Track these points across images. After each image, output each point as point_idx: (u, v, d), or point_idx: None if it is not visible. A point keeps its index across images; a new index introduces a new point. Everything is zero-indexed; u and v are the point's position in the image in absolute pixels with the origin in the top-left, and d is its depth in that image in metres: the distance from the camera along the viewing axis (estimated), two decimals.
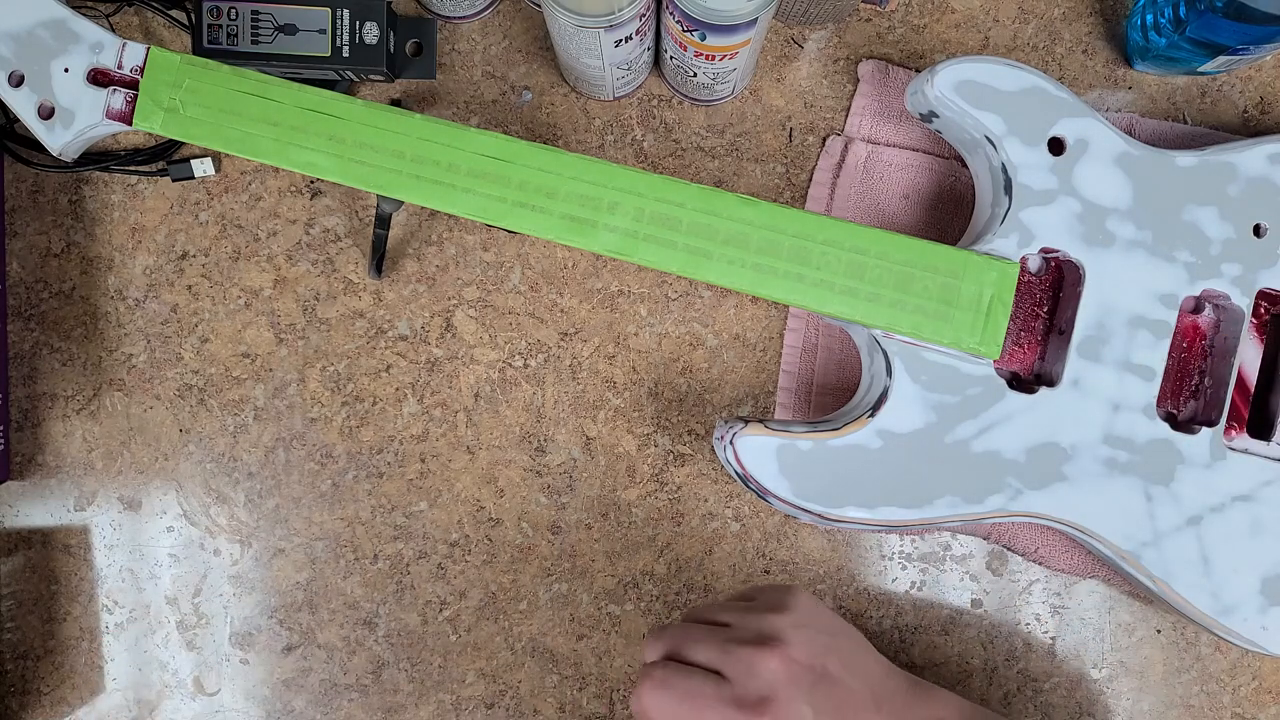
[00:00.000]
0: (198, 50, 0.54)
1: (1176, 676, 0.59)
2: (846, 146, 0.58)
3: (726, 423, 0.51)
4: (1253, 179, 0.51)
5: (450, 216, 0.59)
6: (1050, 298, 0.52)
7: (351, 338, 0.59)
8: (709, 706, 0.42)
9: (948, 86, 0.50)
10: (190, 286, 0.59)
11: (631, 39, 0.50)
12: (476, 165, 0.48)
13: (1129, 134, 0.56)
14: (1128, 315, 0.50)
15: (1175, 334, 0.52)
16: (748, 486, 0.49)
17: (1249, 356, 0.52)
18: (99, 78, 0.49)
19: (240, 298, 0.59)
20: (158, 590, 0.59)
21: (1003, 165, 0.50)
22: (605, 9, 0.46)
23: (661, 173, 0.57)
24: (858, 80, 0.59)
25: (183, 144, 0.59)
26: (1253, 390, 0.52)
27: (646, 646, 0.46)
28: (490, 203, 0.48)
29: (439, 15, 0.58)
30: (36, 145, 0.57)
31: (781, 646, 0.43)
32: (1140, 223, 0.50)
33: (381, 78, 0.57)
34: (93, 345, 0.59)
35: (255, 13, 0.54)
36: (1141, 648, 0.59)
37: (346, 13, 0.54)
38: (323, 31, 0.54)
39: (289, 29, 0.54)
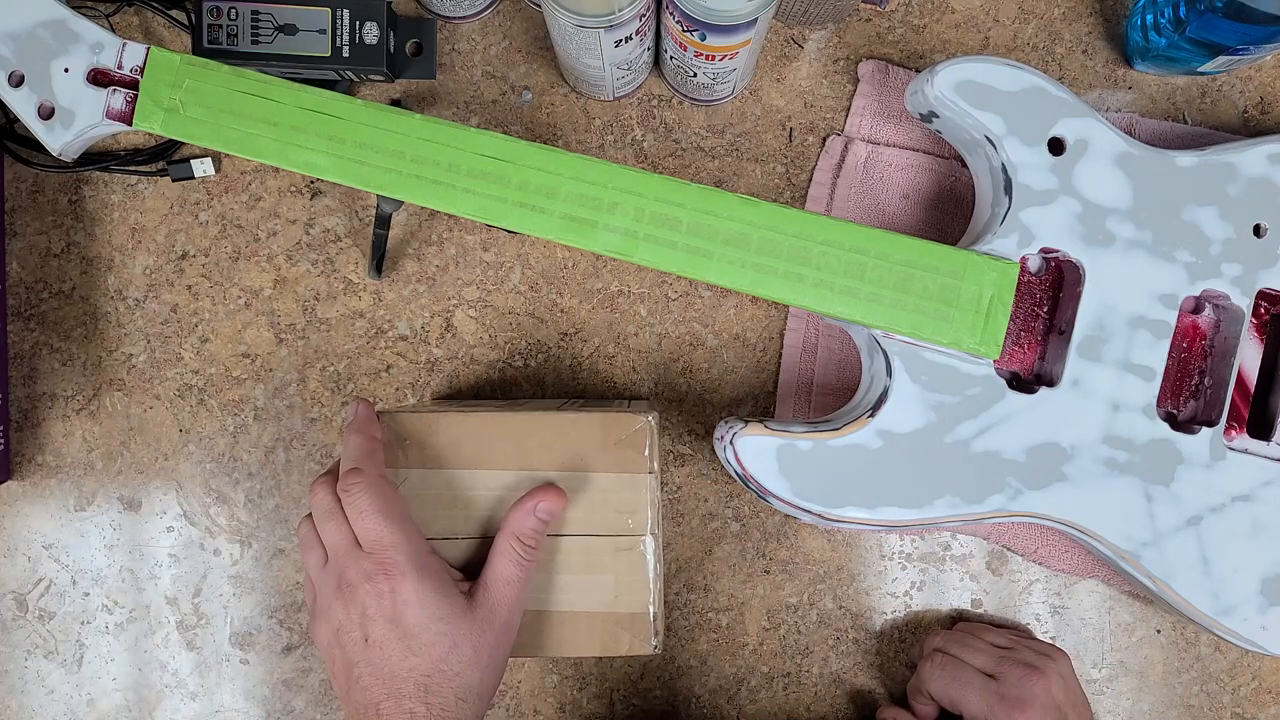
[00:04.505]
0: (198, 50, 0.54)
1: (1176, 676, 0.59)
2: (846, 146, 0.58)
3: (726, 423, 0.51)
4: (1253, 179, 0.51)
5: (450, 216, 0.59)
6: (1050, 298, 0.52)
7: (351, 338, 0.59)
8: (976, 690, 0.51)
9: (948, 86, 0.50)
10: (190, 286, 0.59)
11: (631, 39, 0.50)
12: (476, 165, 0.48)
13: (1129, 134, 0.56)
14: (1128, 315, 0.50)
15: (1175, 334, 0.52)
16: (748, 486, 0.49)
17: (1249, 356, 0.52)
18: (99, 78, 0.49)
19: (240, 298, 0.59)
20: (158, 590, 0.59)
21: (1003, 165, 0.50)
22: (605, 9, 0.46)
23: (661, 173, 0.57)
24: (858, 80, 0.59)
25: (183, 144, 0.59)
26: (1253, 390, 0.52)
27: (930, 639, 0.57)
28: (490, 203, 0.48)
29: (439, 15, 0.58)
30: (36, 145, 0.57)
31: (1046, 679, 0.51)
32: (1140, 223, 0.50)
33: (381, 78, 0.57)
34: (93, 345, 0.59)
35: (255, 13, 0.54)
36: (1141, 648, 0.59)
37: (346, 13, 0.54)
38: (323, 31, 0.54)
39: (289, 29, 0.54)
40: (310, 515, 0.47)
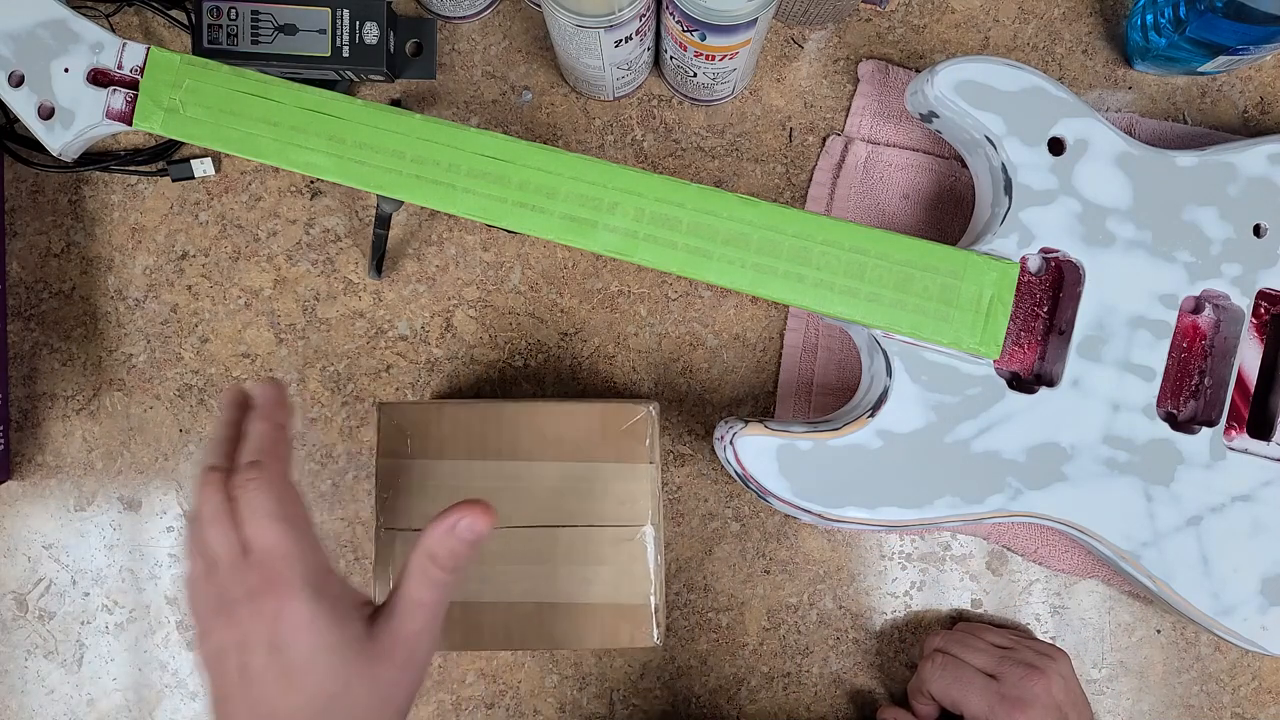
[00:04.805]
0: (198, 50, 0.54)
1: (1176, 676, 0.59)
2: (846, 146, 0.58)
3: (726, 423, 0.51)
4: (1253, 179, 0.51)
5: (450, 216, 0.59)
6: (1050, 298, 0.52)
7: (351, 338, 0.59)
8: (977, 690, 0.51)
9: (948, 87, 0.50)
10: (190, 286, 0.59)
11: (631, 39, 0.50)
12: (476, 165, 0.48)
13: (1129, 134, 0.56)
14: (1128, 315, 0.50)
15: (1175, 334, 0.52)
16: (748, 486, 0.49)
17: (1249, 356, 0.52)
18: (99, 78, 0.49)
19: (240, 298, 0.59)
20: (158, 590, 0.59)
21: (1003, 165, 0.50)
22: (605, 9, 0.46)
23: (661, 173, 0.57)
24: (858, 80, 0.59)
25: (183, 144, 0.59)
26: (1253, 390, 0.52)
27: (931, 639, 0.56)
28: (490, 203, 0.48)
29: (439, 15, 0.58)
30: (36, 145, 0.57)
31: (1047, 679, 0.51)
32: (1140, 223, 0.50)
33: (381, 78, 0.57)
34: (93, 345, 0.59)
35: (255, 13, 0.54)
36: (1141, 648, 0.59)
37: (346, 13, 0.54)
38: (323, 31, 0.54)
39: (289, 29, 0.54)
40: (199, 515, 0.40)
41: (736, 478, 0.50)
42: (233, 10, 0.54)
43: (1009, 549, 0.59)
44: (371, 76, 0.57)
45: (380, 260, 0.57)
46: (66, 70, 0.49)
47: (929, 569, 0.59)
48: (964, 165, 0.58)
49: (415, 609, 0.39)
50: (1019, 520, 0.51)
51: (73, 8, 0.50)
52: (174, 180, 0.58)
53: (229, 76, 0.49)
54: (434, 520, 0.39)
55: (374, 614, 0.39)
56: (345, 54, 0.54)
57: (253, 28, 0.54)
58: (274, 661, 0.36)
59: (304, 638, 0.36)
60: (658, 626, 0.48)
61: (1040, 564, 0.59)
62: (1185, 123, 0.59)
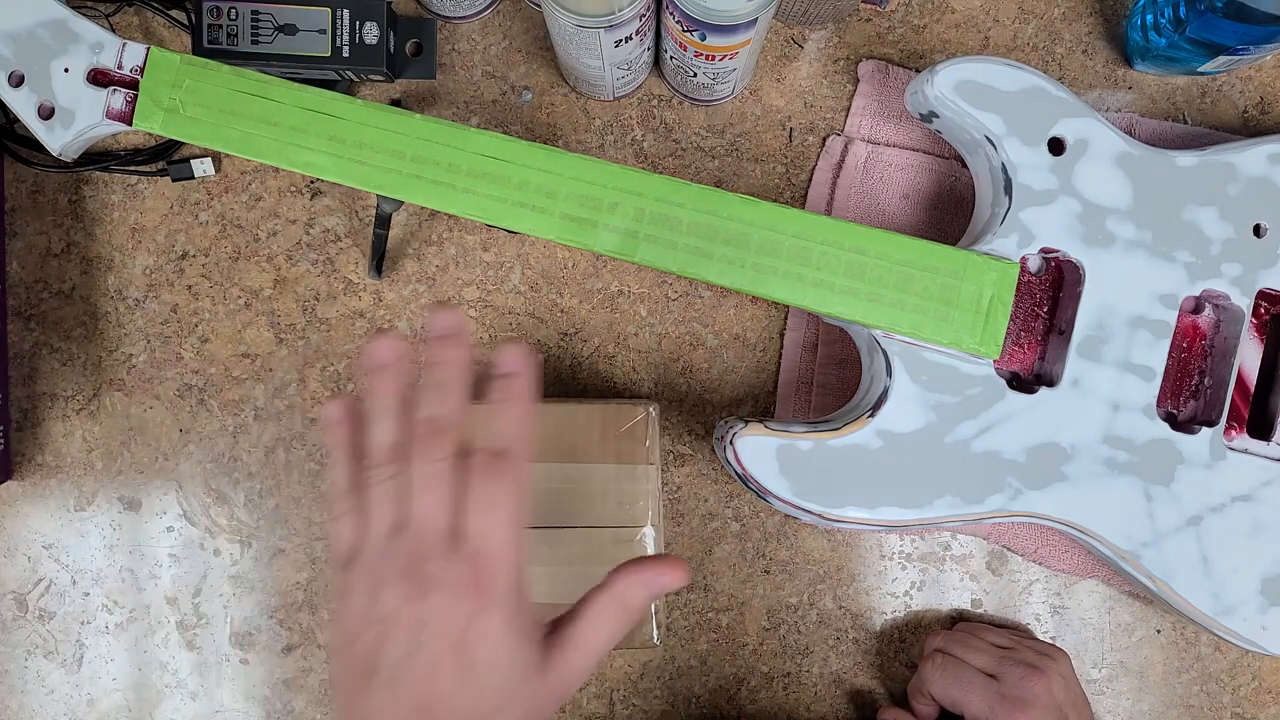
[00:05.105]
0: (198, 50, 0.54)
1: (1176, 676, 0.59)
2: (846, 146, 0.58)
3: (726, 423, 0.51)
4: (1253, 179, 0.51)
5: (450, 216, 0.59)
6: (1050, 298, 0.52)
7: (351, 338, 0.59)
8: (978, 691, 0.52)
9: (948, 87, 0.50)
10: (190, 286, 0.59)
11: (631, 39, 0.50)
12: (476, 165, 0.48)
13: (1129, 134, 0.56)
14: (1128, 315, 0.50)
15: (1175, 334, 0.52)
16: (748, 486, 0.49)
17: (1249, 356, 0.52)
18: (99, 78, 0.49)
19: (240, 298, 0.59)
20: (158, 590, 0.59)
21: (1003, 165, 0.50)
22: (605, 9, 0.46)
23: (661, 173, 0.57)
24: (858, 80, 0.59)
25: (183, 144, 0.59)
26: (1253, 390, 0.52)
27: (931, 639, 0.56)
28: (490, 203, 0.48)
29: (439, 15, 0.58)
30: (36, 145, 0.57)
31: (1047, 679, 0.51)
32: (1140, 223, 0.50)
33: (381, 78, 0.57)
34: (93, 345, 0.59)
35: (255, 13, 0.54)
36: (1141, 648, 0.59)
37: (346, 13, 0.54)
38: (323, 31, 0.54)
39: (289, 29, 0.54)
40: (388, 449, 0.37)
41: (736, 478, 0.50)
42: (233, 10, 0.54)
43: (1009, 549, 0.59)
44: (371, 76, 0.57)
45: (380, 260, 0.57)
46: (66, 70, 0.49)
47: (929, 569, 0.59)
48: (964, 165, 0.58)
49: (589, 653, 0.37)
50: (1019, 520, 0.51)
51: (73, 8, 0.50)
52: (174, 180, 0.58)
53: (229, 76, 0.49)
54: (632, 565, 0.37)
55: (549, 638, 0.37)
56: (345, 54, 0.54)
57: (253, 28, 0.54)
58: (452, 660, 0.35)
59: (490, 649, 0.35)
60: (658, 627, 0.48)
61: (1040, 564, 0.59)
62: (1185, 123, 0.59)
